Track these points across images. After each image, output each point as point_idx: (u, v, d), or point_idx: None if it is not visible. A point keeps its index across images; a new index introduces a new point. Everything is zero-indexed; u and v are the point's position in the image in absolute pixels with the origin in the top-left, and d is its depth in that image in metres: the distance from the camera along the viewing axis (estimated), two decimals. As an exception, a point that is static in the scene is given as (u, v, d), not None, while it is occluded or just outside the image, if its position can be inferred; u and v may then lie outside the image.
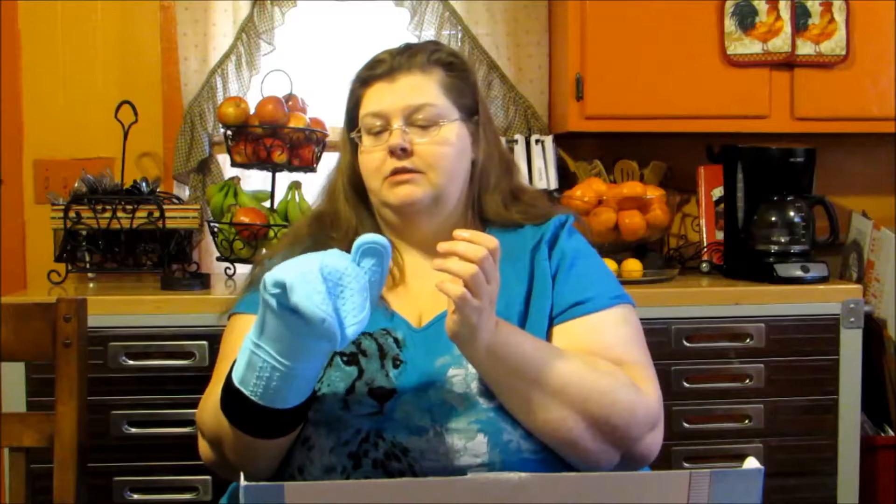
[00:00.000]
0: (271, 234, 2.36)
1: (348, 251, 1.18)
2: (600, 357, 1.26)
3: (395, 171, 1.34)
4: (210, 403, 1.22)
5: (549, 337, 1.32)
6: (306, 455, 1.22)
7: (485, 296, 1.12)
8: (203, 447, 1.29)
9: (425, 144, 1.35)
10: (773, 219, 2.45)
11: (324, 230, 1.42)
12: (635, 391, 1.23)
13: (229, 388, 1.12)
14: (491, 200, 1.42)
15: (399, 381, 1.24)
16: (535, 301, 1.33)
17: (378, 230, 1.41)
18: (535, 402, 1.19)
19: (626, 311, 1.35)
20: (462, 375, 1.23)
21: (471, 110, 1.41)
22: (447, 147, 1.36)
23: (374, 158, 1.36)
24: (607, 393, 1.20)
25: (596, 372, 1.22)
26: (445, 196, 1.37)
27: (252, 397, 1.09)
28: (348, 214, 1.42)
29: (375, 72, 1.39)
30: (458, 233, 1.13)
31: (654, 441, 1.27)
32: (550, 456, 1.21)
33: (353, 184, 1.43)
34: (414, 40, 2.59)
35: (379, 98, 1.37)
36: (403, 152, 1.34)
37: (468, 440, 1.20)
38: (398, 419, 1.21)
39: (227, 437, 1.18)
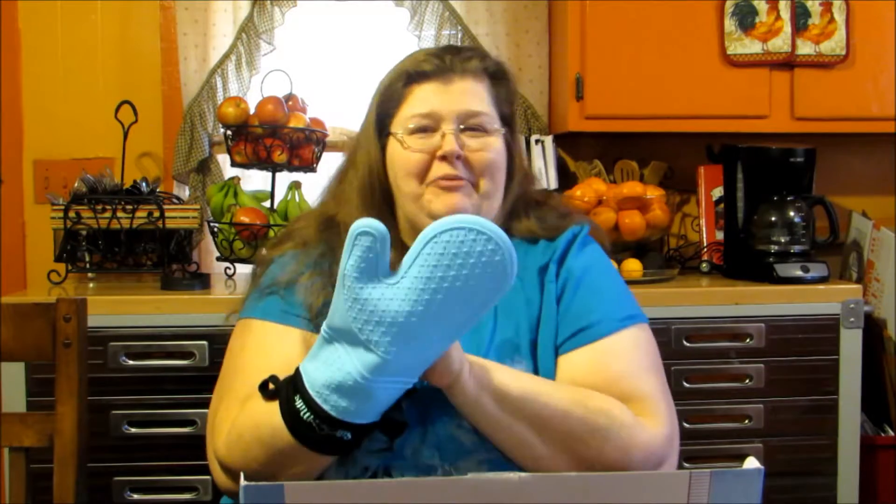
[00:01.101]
0: (271, 234, 2.36)
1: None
2: (608, 390, 1.19)
3: (446, 177, 1.28)
4: (252, 454, 1.13)
5: (555, 367, 1.25)
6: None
7: None
8: (226, 482, 1.21)
9: (477, 152, 1.29)
10: (773, 219, 2.45)
11: (337, 236, 1.32)
12: (633, 429, 1.15)
13: (323, 420, 1.05)
14: (514, 212, 1.37)
15: (410, 413, 1.17)
16: (543, 328, 1.27)
17: (400, 240, 1.34)
18: (521, 439, 1.13)
19: (638, 332, 1.27)
20: None
21: (508, 120, 1.37)
22: (497, 156, 1.31)
23: (415, 159, 1.29)
24: (596, 431, 1.13)
25: (585, 408, 1.14)
26: (488, 207, 1.32)
27: (355, 420, 1.05)
28: None
29: (425, 69, 1.31)
30: None
31: None
32: None
33: (378, 187, 1.34)
34: (415, 40, 2.58)
35: (430, 98, 1.30)
36: (458, 159, 1.28)
37: None
38: (407, 456, 1.17)
39: (287, 472, 1.12)
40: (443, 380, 1.12)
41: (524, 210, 1.37)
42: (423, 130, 1.30)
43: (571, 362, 1.24)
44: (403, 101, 1.32)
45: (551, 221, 1.36)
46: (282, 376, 1.13)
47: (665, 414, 1.21)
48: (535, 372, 1.25)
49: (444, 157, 1.28)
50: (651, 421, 1.18)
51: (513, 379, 1.15)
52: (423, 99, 1.31)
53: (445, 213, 1.24)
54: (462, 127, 1.30)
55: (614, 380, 1.20)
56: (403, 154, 1.30)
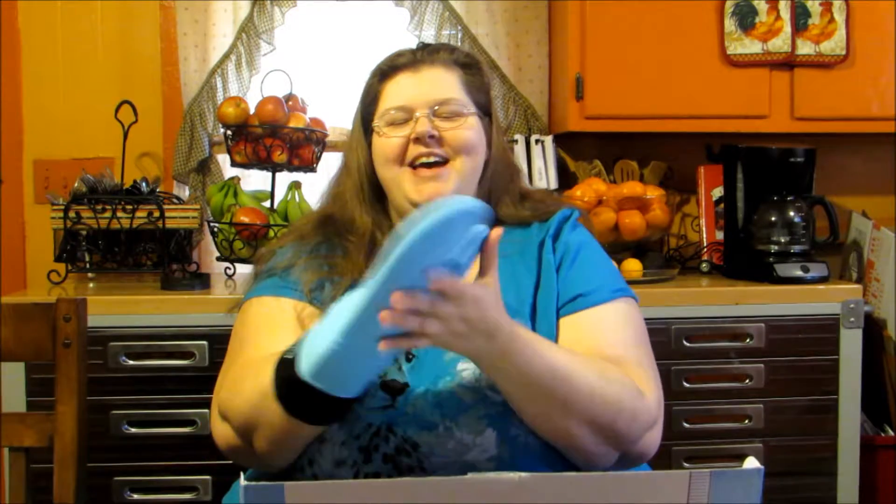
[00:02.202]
0: (271, 234, 2.36)
1: (366, 255, 1.27)
2: (601, 354, 1.26)
3: (421, 164, 1.35)
4: (245, 392, 1.20)
5: (556, 328, 1.32)
6: (317, 447, 1.22)
7: (446, 326, 1.06)
8: (225, 433, 1.27)
9: (451, 129, 1.37)
10: (773, 219, 2.45)
11: (336, 232, 1.41)
12: (639, 397, 1.23)
13: (291, 379, 1.10)
14: (503, 200, 1.43)
15: (411, 376, 1.24)
16: (542, 294, 1.34)
17: (392, 230, 1.40)
18: (544, 413, 1.18)
19: (628, 305, 1.36)
20: (471, 369, 1.23)
21: (484, 109, 1.44)
22: (473, 133, 1.38)
23: (392, 144, 1.37)
24: (614, 402, 1.20)
25: (605, 381, 1.21)
26: (467, 188, 1.39)
27: (325, 389, 1.08)
28: (364, 218, 1.40)
29: (397, 63, 1.40)
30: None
31: (651, 439, 1.28)
32: (556, 451, 1.22)
33: (367, 184, 1.42)
34: (415, 40, 2.59)
35: (402, 90, 1.38)
36: (432, 139, 1.35)
37: (477, 435, 1.20)
38: (409, 414, 1.21)
39: (267, 424, 1.17)
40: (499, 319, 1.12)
41: (513, 201, 1.44)
42: (399, 121, 1.37)
43: (571, 326, 1.32)
44: (380, 96, 1.41)
45: (542, 207, 1.45)
46: (283, 343, 1.20)
47: (653, 380, 1.30)
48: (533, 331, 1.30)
49: (417, 139, 1.35)
50: (645, 387, 1.26)
51: (538, 363, 1.14)
52: (397, 92, 1.39)
53: (423, 202, 1.31)
54: (435, 110, 1.37)
55: (609, 345, 1.29)
56: (381, 142, 1.38)
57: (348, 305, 1.05)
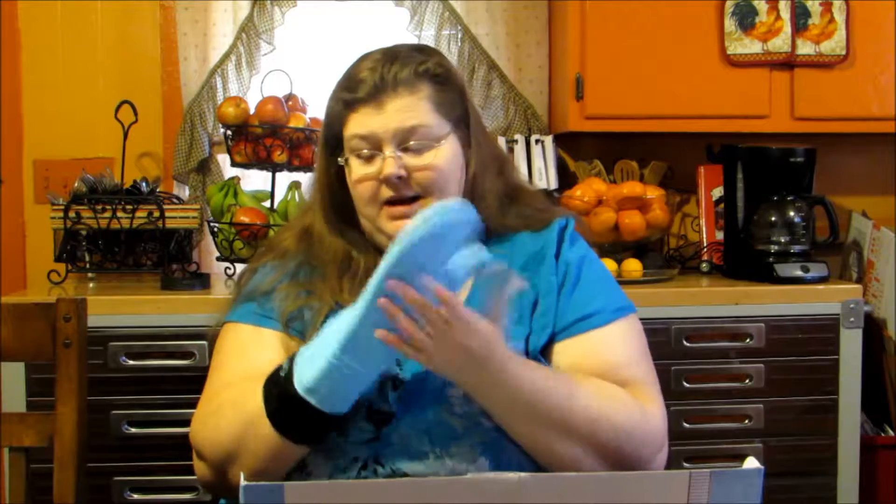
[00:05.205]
0: (271, 234, 2.36)
1: (339, 277, 1.27)
2: (606, 376, 1.25)
3: (392, 202, 1.30)
4: (225, 424, 1.19)
5: (547, 350, 1.29)
6: (304, 481, 1.20)
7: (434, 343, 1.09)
8: (201, 470, 1.26)
9: (422, 169, 1.29)
10: (773, 219, 2.45)
11: (312, 246, 1.38)
12: (643, 418, 1.23)
13: (281, 396, 1.12)
14: (485, 207, 1.34)
15: (398, 404, 1.21)
16: (540, 317, 1.30)
17: (368, 250, 1.36)
18: (543, 438, 1.17)
19: (630, 322, 1.33)
20: (462, 394, 1.19)
21: (461, 118, 1.35)
22: (443, 168, 1.30)
23: (367, 188, 1.31)
24: (617, 426, 1.19)
25: (609, 404, 1.20)
26: None
27: (319, 405, 1.11)
28: (332, 240, 1.36)
29: (358, 95, 1.30)
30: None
31: (661, 461, 1.27)
32: None
33: (331, 203, 1.37)
34: (415, 40, 2.59)
35: (367, 123, 1.30)
36: (400, 180, 1.29)
37: (469, 463, 1.18)
38: (396, 444, 1.18)
39: (251, 453, 1.16)
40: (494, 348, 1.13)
41: (500, 203, 1.38)
42: (368, 156, 1.30)
43: (572, 349, 1.29)
44: (345, 123, 1.33)
45: (533, 214, 1.39)
46: (255, 374, 1.20)
47: (658, 398, 1.29)
48: (526, 353, 1.28)
49: (386, 181, 1.29)
50: (649, 406, 1.26)
51: (538, 386, 1.16)
52: (362, 123, 1.31)
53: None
54: (403, 147, 1.29)
55: (613, 366, 1.27)
56: (357, 185, 1.32)
57: (346, 319, 1.08)
